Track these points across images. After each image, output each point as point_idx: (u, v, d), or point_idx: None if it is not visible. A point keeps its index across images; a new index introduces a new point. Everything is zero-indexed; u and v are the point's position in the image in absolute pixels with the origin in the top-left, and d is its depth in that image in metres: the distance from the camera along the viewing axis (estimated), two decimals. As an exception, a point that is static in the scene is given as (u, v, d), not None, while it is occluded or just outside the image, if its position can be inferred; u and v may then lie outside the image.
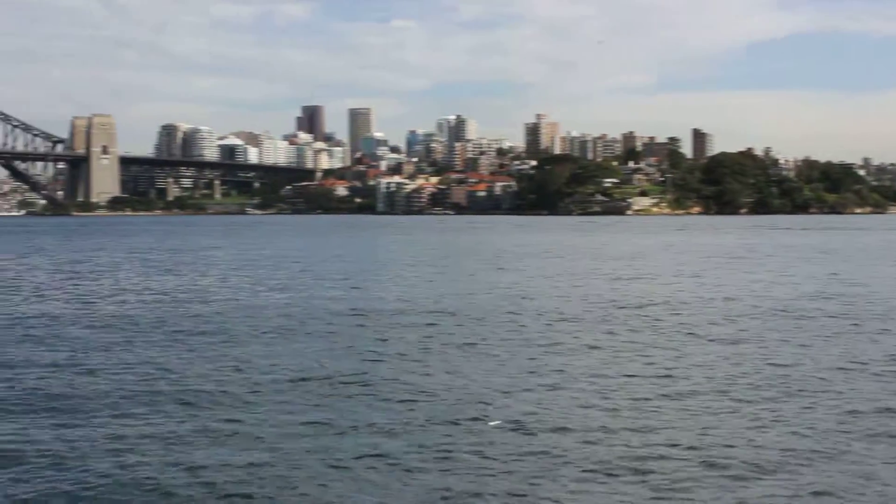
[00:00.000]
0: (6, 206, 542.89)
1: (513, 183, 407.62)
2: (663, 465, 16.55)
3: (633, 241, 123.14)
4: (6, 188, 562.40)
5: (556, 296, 46.87)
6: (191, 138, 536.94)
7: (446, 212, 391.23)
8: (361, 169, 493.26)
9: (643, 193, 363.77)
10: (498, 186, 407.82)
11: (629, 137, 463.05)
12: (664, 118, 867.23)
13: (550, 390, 22.90)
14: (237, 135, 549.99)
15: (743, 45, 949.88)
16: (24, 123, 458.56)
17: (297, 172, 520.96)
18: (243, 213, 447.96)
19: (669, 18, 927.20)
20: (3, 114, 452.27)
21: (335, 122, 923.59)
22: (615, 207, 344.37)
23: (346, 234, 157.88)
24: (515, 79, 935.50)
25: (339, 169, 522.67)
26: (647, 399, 21.82)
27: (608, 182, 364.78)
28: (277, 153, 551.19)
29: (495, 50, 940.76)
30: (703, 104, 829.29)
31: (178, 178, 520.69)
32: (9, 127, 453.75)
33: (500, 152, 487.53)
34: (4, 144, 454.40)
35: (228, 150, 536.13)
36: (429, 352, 28.84)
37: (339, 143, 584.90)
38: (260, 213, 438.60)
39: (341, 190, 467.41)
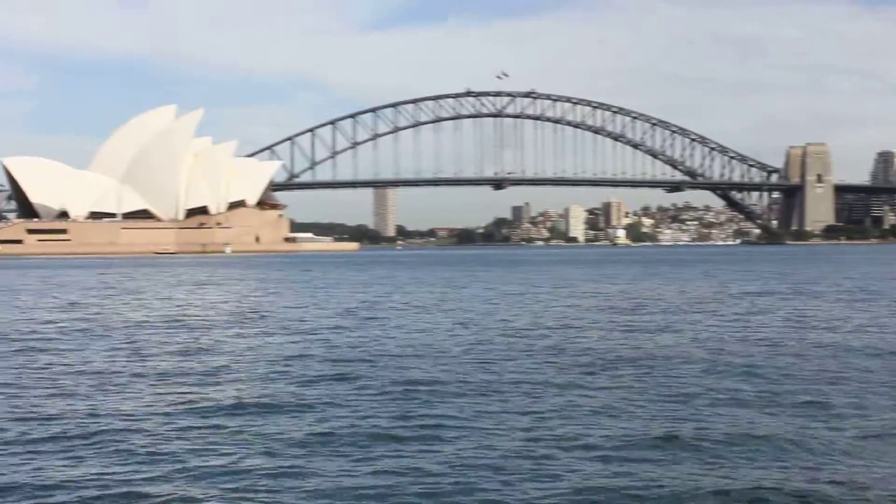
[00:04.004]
0: (722, 236, 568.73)
1: None
2: None
3: None
4: (722, 218, 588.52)
5: None
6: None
7: None
8: None
9: None
10: None
11: None
12: None
13: None
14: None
15: None
16: (739, 154, 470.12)
17: None
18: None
19: None
20: (720, 146, 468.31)
21: None
22: None
23: None
24: None
25: None
26: None
27: None
28: None
29: None
30: None
31: (894, 206, 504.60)
32: (725, 158, 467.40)
33: None
34: (722, 175, 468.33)
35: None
36: None
37: None
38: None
39: None
